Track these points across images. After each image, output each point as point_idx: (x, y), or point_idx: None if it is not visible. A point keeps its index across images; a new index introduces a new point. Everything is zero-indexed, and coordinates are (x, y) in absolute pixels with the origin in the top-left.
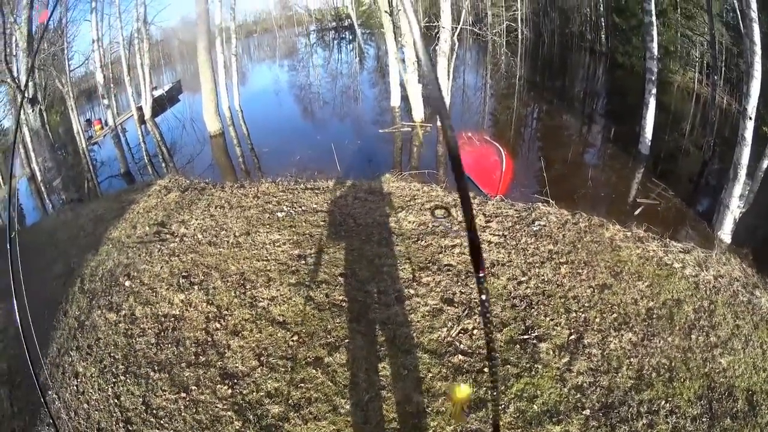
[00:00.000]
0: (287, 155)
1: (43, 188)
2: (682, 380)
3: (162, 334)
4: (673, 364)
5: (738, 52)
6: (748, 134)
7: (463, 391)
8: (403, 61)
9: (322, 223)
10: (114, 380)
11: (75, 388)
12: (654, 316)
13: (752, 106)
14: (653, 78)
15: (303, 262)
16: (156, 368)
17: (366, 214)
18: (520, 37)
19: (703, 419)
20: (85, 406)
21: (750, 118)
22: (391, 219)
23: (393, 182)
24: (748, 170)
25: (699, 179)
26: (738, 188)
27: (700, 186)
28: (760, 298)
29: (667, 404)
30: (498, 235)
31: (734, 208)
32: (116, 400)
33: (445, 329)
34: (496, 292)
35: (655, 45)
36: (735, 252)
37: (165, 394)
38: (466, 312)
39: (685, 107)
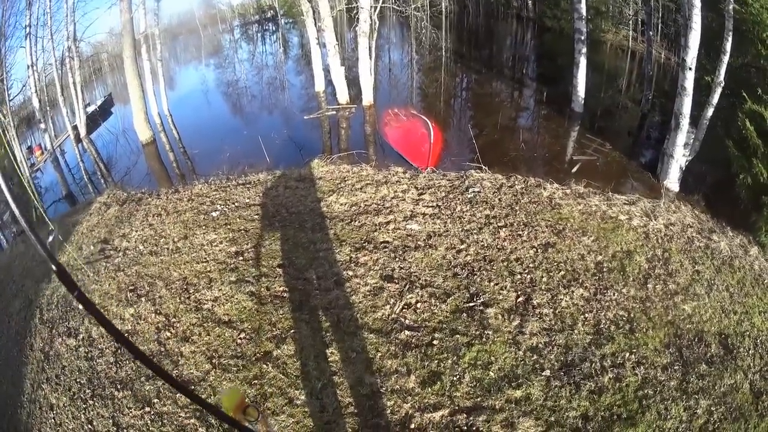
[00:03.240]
0: (218, 154)
1: None
2: (644, 330)
3: (119, 351)
4: (632, 315)
5: (675, 8)
6: (689, 84)
7: None
8: (325, 45)
9: (256, 216)
10: (84, 406)
11: (52, 420)
12: (604, 269)
13: (692, 57)
14: (582, 38)
15: (241, 258)
16: (119, 386)
17: (298, 202)
18: (444, 10)
19: (675, 367)
20: None
21: (690, 69)
22: (322, 203)
23: (322, 167)
24: (692, 120)
25: (639, 132)
26: (681, 137)
27: (641, 139)
28: (718, 242)
29: (633, 356)
30: (432, 206)
31: (679, 157)
32: (90, 426)
33: (388, 306)
34: (435, 263)
35: (583, 6)
36: (685, 200)
37: (131, 411)
38: (407, 286)
39: (619, 65)
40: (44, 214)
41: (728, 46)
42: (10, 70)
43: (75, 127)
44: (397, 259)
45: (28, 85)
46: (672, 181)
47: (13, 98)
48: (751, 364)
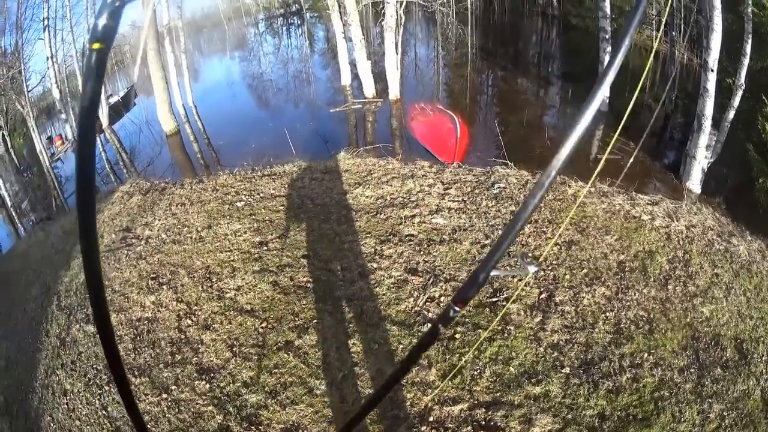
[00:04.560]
0: (244, 145)
1: (14, 213)
2: (663, 331)
3: (138, 338)
4: (651, 315)
5: (697, 9)
6: (711, 86)
7: None
8: (350, 39)
9: (281, 207)
10: (99, 392)
11: (65, 406)
12: (626, 269)
13: (713, 58)
14: (607, 36)
15: (265, 248)
16: (136, 373)
17: (323, 193)
18: (469, 6)
19: (691, 370)
20: (77, 422)
21: (712, 71)
22: (348, 196)
23: (348, 159)
24: (714, 121)
25: (662, 132)
26: (704, 139)
27: (664, 139)
28: (737, 246)
29: (651, 356)
30: (458, 201)
31: (701, 159)
32: (104, 412)
33: (411, 299)
34: (459, 258)
35: (607, 4)
36: (706, 202)
37: (148, 398)
38: (431, 280)
39: (643, 65)
40: (64, 204)
41: (748, 48)
42: (28, 62)
43: (97, 118)
44: (421, 252)
45: (48, 76)
46: (694, 182)
47: (32, 89)
48: (764, 371)
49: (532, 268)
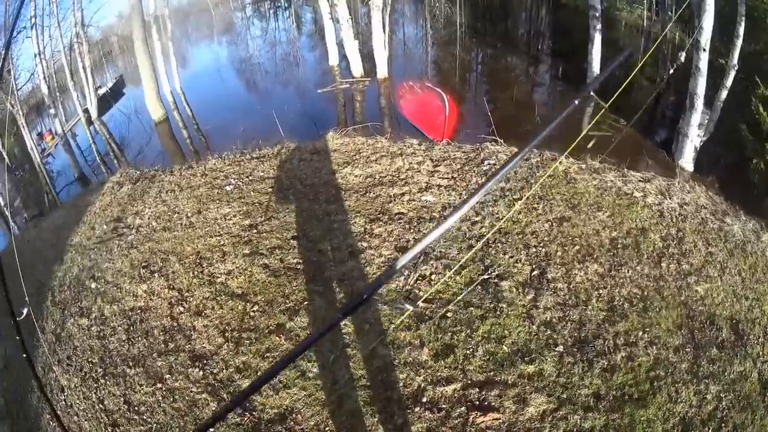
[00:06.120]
0: (232, 129)
1: (7, 212)
2: (657, 309)
3: (131, 328)
4: (645, 293)
5: None
6: (703, 65)
7: None
8: (338, 20)
9: (270, 189)
10: (95, 385)
11: (63, 402)
12: (619, 245)
13: (706, 38)
14: (597, 14)
15: (255, 231)
16: (131, 364)
17: (312, 174)
18: None
19: (687, 349)
20: (75, 418)
21: (704, 50)
22: (337, 175)
23: (337, 139)
24: (706, 101)
25: (654, 111)
26: (696, 117)
27: (656, 117)
28: (732, 225)
29: (645, 335)
30: (447, 178)
31: (693, 137)
32: (101, 405)
33: (402, 278)
34: (450, 235)
35: None
36: (699, 180)
37: (143, 388)
38: (421, 258)
39: (634, 43)
40: (56, 198)
41: (741, 30)
42: (17, 61)
43: (86, 110)
44: (411, 230)
45: (36, 73)
46: (686, 160)
47: (21, 87)
48: (761, 353)
49: (408, 306)
